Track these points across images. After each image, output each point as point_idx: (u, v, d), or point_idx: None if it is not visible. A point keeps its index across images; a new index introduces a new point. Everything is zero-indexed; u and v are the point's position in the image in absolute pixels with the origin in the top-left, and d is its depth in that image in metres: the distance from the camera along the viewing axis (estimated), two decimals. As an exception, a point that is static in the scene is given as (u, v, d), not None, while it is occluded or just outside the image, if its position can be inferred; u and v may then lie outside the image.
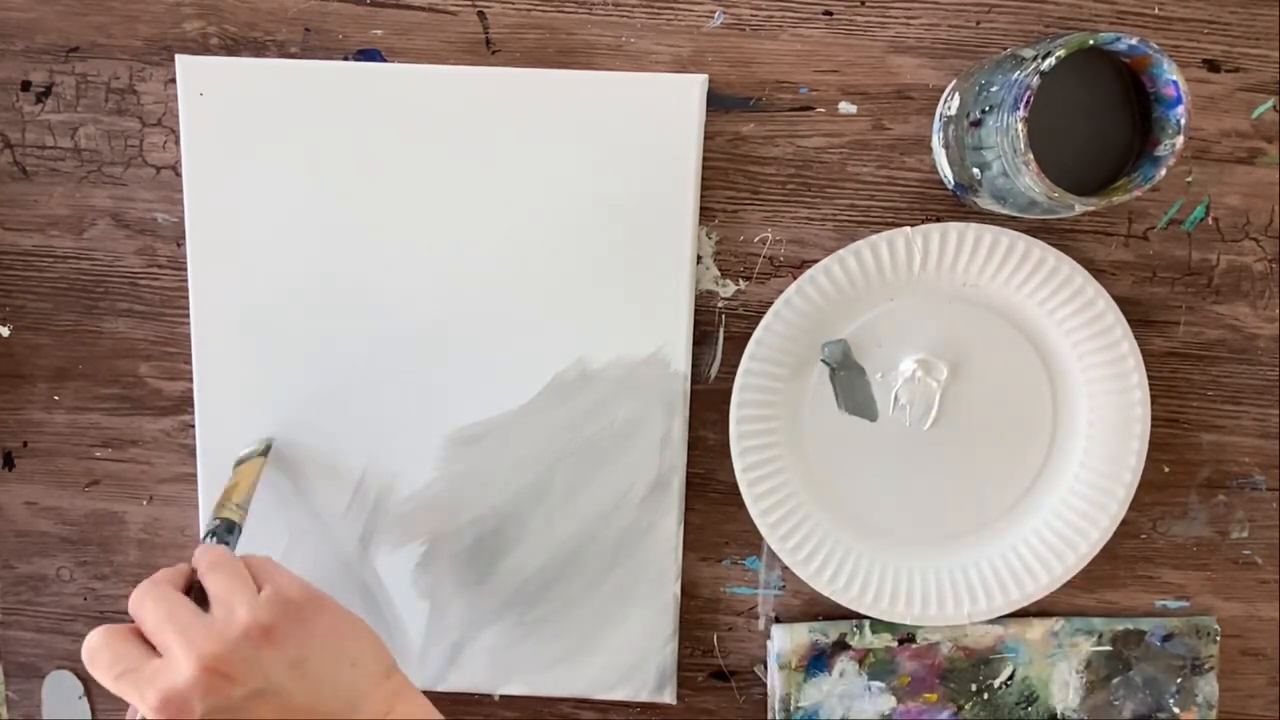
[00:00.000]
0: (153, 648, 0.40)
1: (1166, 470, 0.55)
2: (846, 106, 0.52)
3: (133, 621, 0.41)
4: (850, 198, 0.52)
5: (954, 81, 0.50)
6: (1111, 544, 0.53)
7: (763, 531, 0.53)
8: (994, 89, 0.44)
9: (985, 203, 0.48)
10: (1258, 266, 0.53)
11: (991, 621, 0.55)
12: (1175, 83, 0.42)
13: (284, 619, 0.40)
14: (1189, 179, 0.52)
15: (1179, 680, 0.55)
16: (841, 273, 0.51)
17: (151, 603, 0.40)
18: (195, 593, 0.42)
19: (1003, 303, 0.52)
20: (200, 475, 0.55)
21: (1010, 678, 0.55)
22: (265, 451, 0.53)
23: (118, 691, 0.39)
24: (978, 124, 0.45)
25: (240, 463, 0.52)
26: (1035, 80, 0.41)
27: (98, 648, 0.39)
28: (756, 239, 0.53)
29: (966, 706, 0.56)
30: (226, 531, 0.47)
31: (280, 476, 0.54)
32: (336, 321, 0.53)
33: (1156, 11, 0.51)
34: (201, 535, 0.47)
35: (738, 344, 0.53)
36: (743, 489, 0.53)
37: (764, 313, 0.51)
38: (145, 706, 0.38)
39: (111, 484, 0.56)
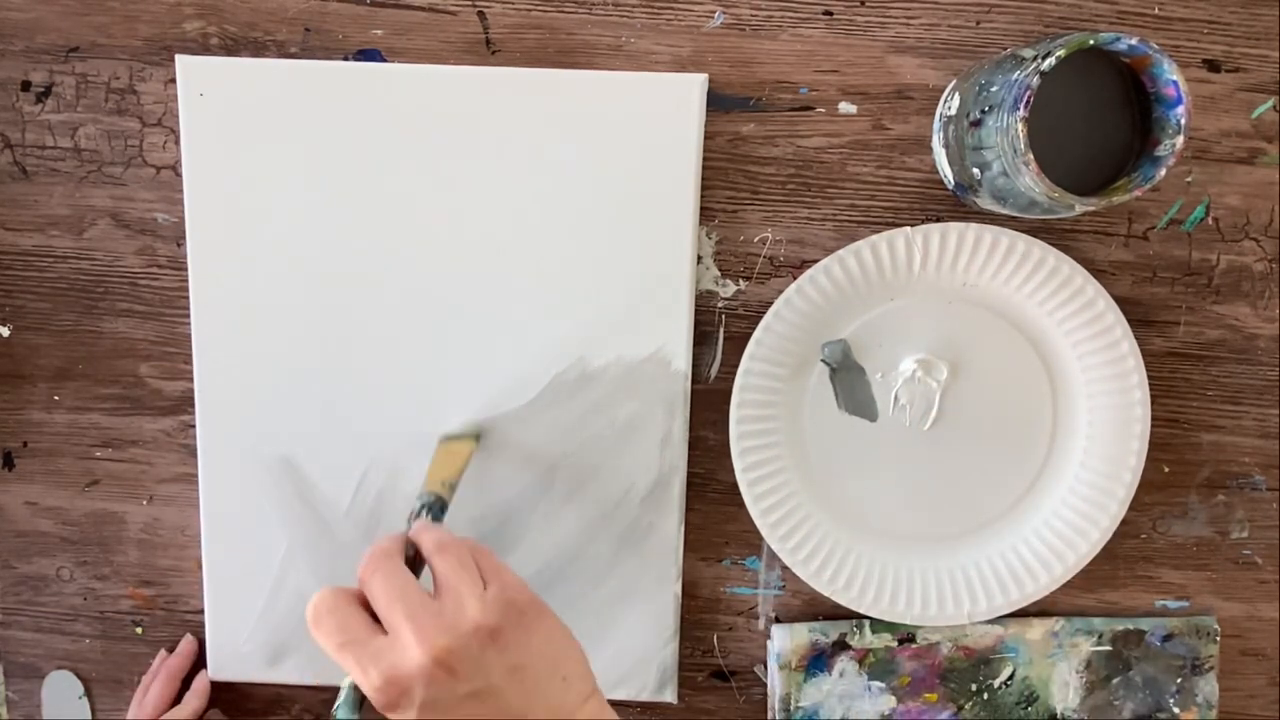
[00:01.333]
0: (378, 621, 0.39)
1: (1166, 470, 0.55)
2: (846, 106, 0.52)
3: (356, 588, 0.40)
4: (850, 198, 0.52)
5: (954, 81, 0.50)
6: (1111, 544, 0.53)
7: (763, 531, 0.53)
8: (994, 89, 0.44)
9: (985, 203, 0.48)
10: (1258, 266, 0.53)
11: (991, 621, 0.55)
12: (1175, 83, 0.42)
13: (509, 622, 0.39)
14: (1189, 179, 0.52)
15: (1179, 680, 0.55)
16: (841, 273, 0.51)
17: (383, 579, 0.39)
18: (409, 564, 0.42)
19: (1003, 303, 0.52)
20: (200, 475, 0.55)
21: (1010, 678, 0.55)
22: (478, 438, 0.53)
23: (337, 659, 0.38)
24: (978, 124, 0.45)
25: (451, 439, 0.52)
26: (1035, 80, 0.41)
27: (325, 611, 0.39)
28: (756, 239, 0.53)
29: (966, 706, 0.56)
30: (441, 510, 0.46)
31: (281, 476, 0.54)
32: (336, 321, 0.53)
33: (1156, 11, 0.51)
34: (416, 508, 0.46)
35: (738, 344, 0.53)
36: (743, 489, 0.53)
37: (764, 313, 0.51)
38: (366, 681, 0.37)
39: (111, 484, 0.56)
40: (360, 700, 0.40)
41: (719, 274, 0.53)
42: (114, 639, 0.58)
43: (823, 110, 0.52)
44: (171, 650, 0.57)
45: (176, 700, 0.56)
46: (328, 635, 0.38)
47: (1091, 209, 0.43)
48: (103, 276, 0.54)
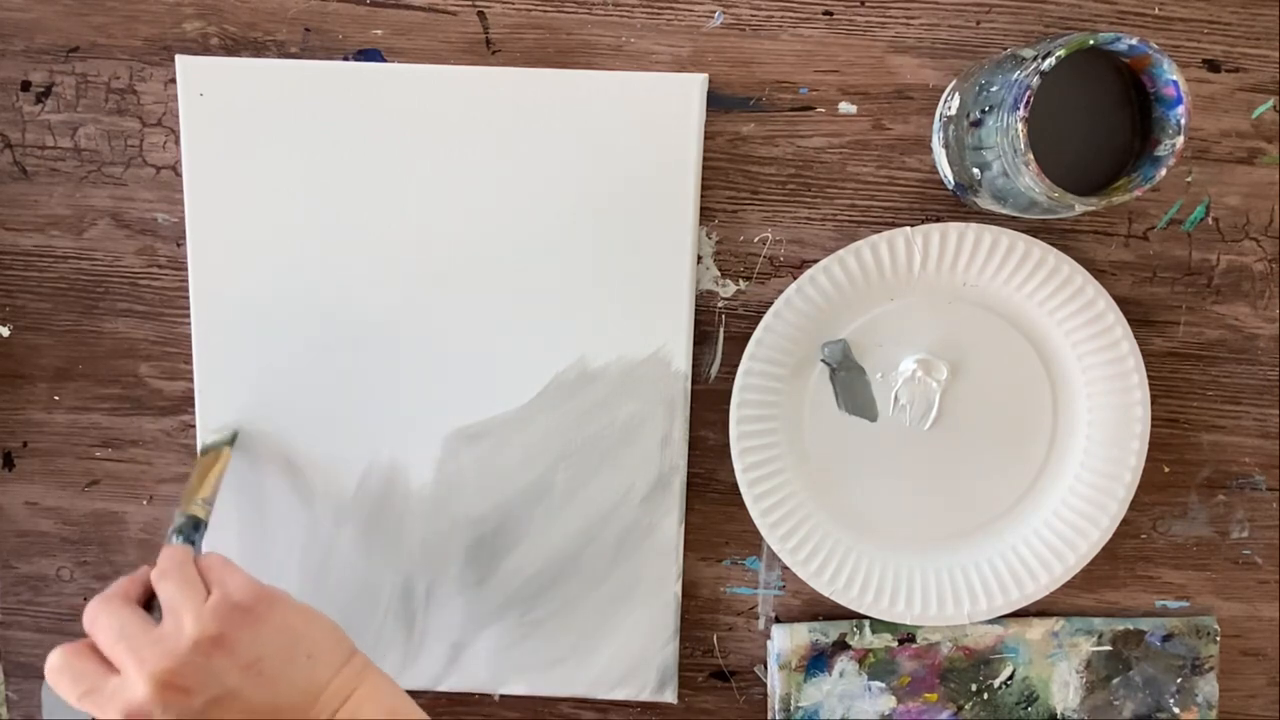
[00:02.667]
0: (111, 663, 0.40)
1: (1166, 470, 0.55)
2: (846, 106, 0.52)
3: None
4: (850, 198, 0.52)
5: (954, 81, 0.50)
6: (1111, 544, 0.53)
7: (763, 531, 0.53)
8: (994, 89, 0.44)
9: (985, 203, 0.48)
10: (1258, 266, 0.53)
11: (991, 621, 0.55)
12: (1175, 83, 0.42)
13: (231, 625, 0.41)
14: (1189, 179, 0.52)
15: (1179, 680, 0.55)
16: (841, 273, 0.51)
17: (104, 619, 0.41)
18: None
19: (1003, 303, 0.52)
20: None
21: (1010, 678, 0.55)
22: (231, 441, 0.53)
23: (82, 709, 0.40)
24: (978, 124, 0.45)
25: (205, 451, 0.52)
26: (1035, 80, 0.41)
27: (59, 668, 0.40)
28: (756, 239, 0.53)
29: (966, 706, 0.56)
30: (193, 529, 0.47)
31: (280, 476, 0.54)
32: (336, 321, 0.53)
33: (1156, 11, 0.51)
34: (168, 533, 0.47)
35: (738, 344, 0.53)
36: (743, 489, 0.53)
37: (764, 313, 0.51)
38: None
39: (111, 484, 0.56)
40: None
41: (719, 274, 0.53)
42: (114, 639, 0.58)
43: (823, 110, 0.52)
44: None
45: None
46: (67, 690, 0.40)
47: (1091, 209, 0.43)
48: (103, 276, 0.54)
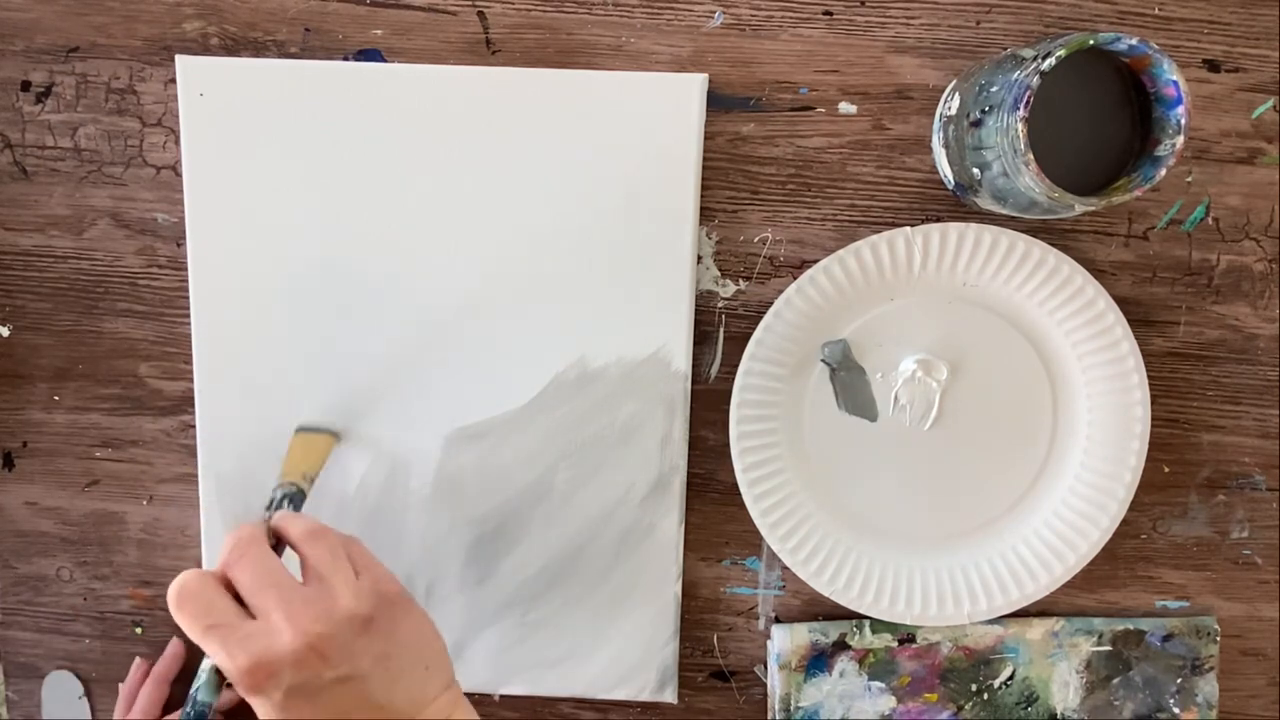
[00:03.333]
0: (244, 605, 0.39)
1: (1166, 470, 0.55)
2: (846, 106, 0.52)
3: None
4: (850, 198, 0.52)
5: (954, 81, 0.50)
6: (1111, 544, 0.53)
7: (763, 531, 0.53)
8: (994, 89, 0.44)
9: (985, 203, 0.48)
10: (1258, 266, 0.53)
11: (991, 621, 0.55)
12: (1175, 83, 0.42)
13: (381, 612, 0.40)
14: (1189, 179, 0.52)
15: (1179, 680, 0.55)
16: (841, 273, 0.51)
17: (251, 563, 0.40)
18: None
19: (1003, 303, 0.52)
20: (200, 475, 0.55)
21: (1010, 678, 0.55)
22: (337, 435, 0.53)
23: (202, 642, 0.38)
24: (978, 124, 0.45)
25: (309, 430, 0.52)
26: (1035, 80, 0.41)
27: (190, 595, 0.39)
28: (756, 239, 0.53)
29: (966, 706, 0.56)
30: (300, 501, 0.46)
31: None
32: (336, 322, 0.53)
33: (1156, 11, 0.51)
34: (276, 497, 0.46)
35: (738, 344, 0.53)
36: (743, 489, 0.53)
37: (764, 313, 0.51)
38: (232, 664, 0.37)
39: (111, 484, 0.56)
40: (220, 683, 0.40)
41: (719, 274, 0.53)
42: (114, 639, 0.58)
43: (823, 110, 0.52)
44: (150, 661, 0.57)
45: (171, 706, 0.56)
46: (192, 618, 0.38)
47: (1091, 209, 0.43)
48: (103, 276, 0.54)
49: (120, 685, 0.57)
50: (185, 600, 0.39)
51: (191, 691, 0.40)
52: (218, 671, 0.40)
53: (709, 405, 0.54)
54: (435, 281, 0.52)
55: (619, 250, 0.52)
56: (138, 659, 0.57)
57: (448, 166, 0.51)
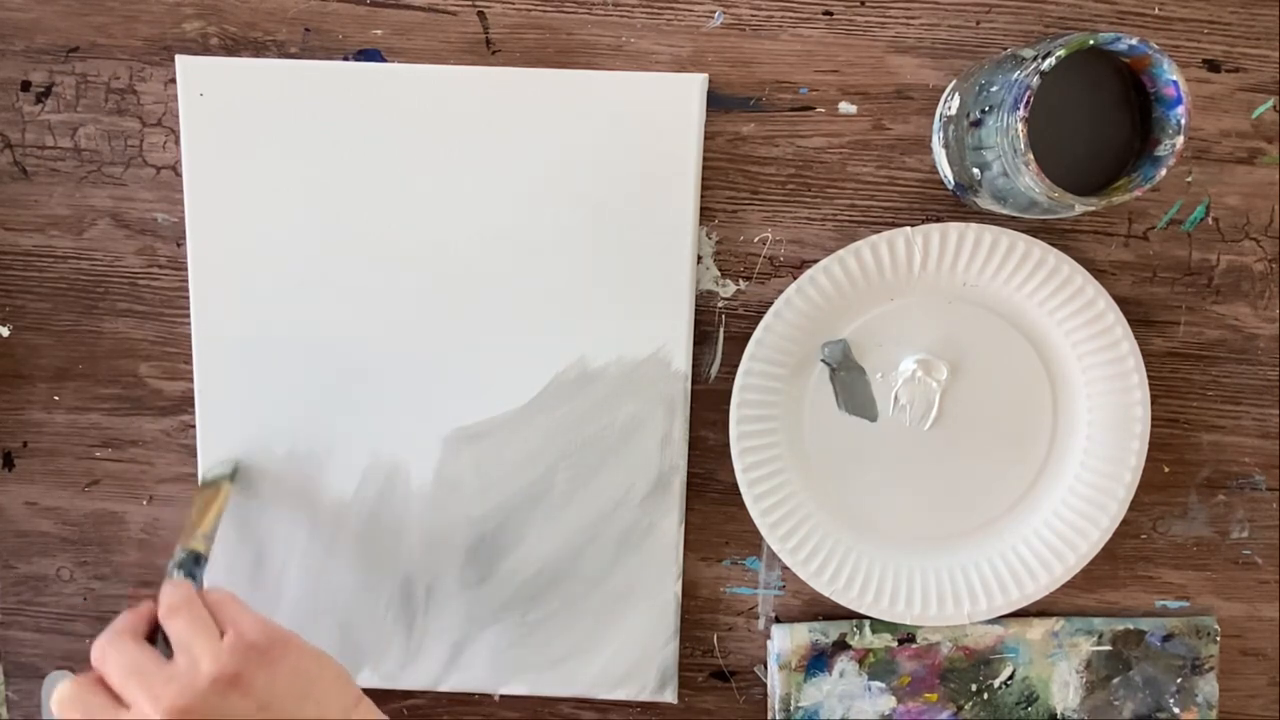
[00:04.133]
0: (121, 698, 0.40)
1: (1166, 470, 0.55)
2: (846, 106, 0.52)
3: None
4: (850, 198, 0.52)
5: (954, 81, 0.50)
6: (1111, 544, 0.53)
7: (763, 531, 0.53)
8: (994, 89, 0.44)
9: (985, 203, 0.48)
10: (1258, 266, 0.53)
11: (991, 621, 0.55)
12: (1175, 83, 0.42)
13: (248, 665, 0.41)
14: (1189, 179, 0.52)
15: (1179, 680, 0.55)
16: (841, 273, 0.51)
17: (114, 654, 0.41)
18: (163, 633, 0.43)
19: (1003, 303, 0.52)
20: (200, 475, 0.55)
21: (1010, 678, 0.55)
22: (233, 476, 0.53)
23: None
24: (978, 124, 0.45)
25: (206, 485, 0.52)
26: (1035, 80, 0.41)
27: (70, 700, 0.40)
28: (756, 239, 0.53)
29: (966, 706, 0.56)
30: (194, 564, 0.47)
31: (281, 477, 0.54)
32: (336, 322, 0.53)
33: (1156, 11, 0.51)
34: (169, 568, 0.47)
35: (738, 344, 0.53)
36: (743, 489, 0.53)
37: (764, 313, 0.51)
38: None
39: (111, 484, 0.56)
40: None
41: (719, 274, 0.53)
42: (114, 639, 0.58)
43: (823, 110, 0.52)
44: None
45: None
46: None
47: (1091, 209, 0.43)
48: (103, 276, 0.54)
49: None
50: (65, 708, 0.40)
51: None
52: None
53: (709, 405, 0.54)
54: (434, 281, 0.52)
55: (619, 250, 0.52)
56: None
57: (448, 166, 0.51)
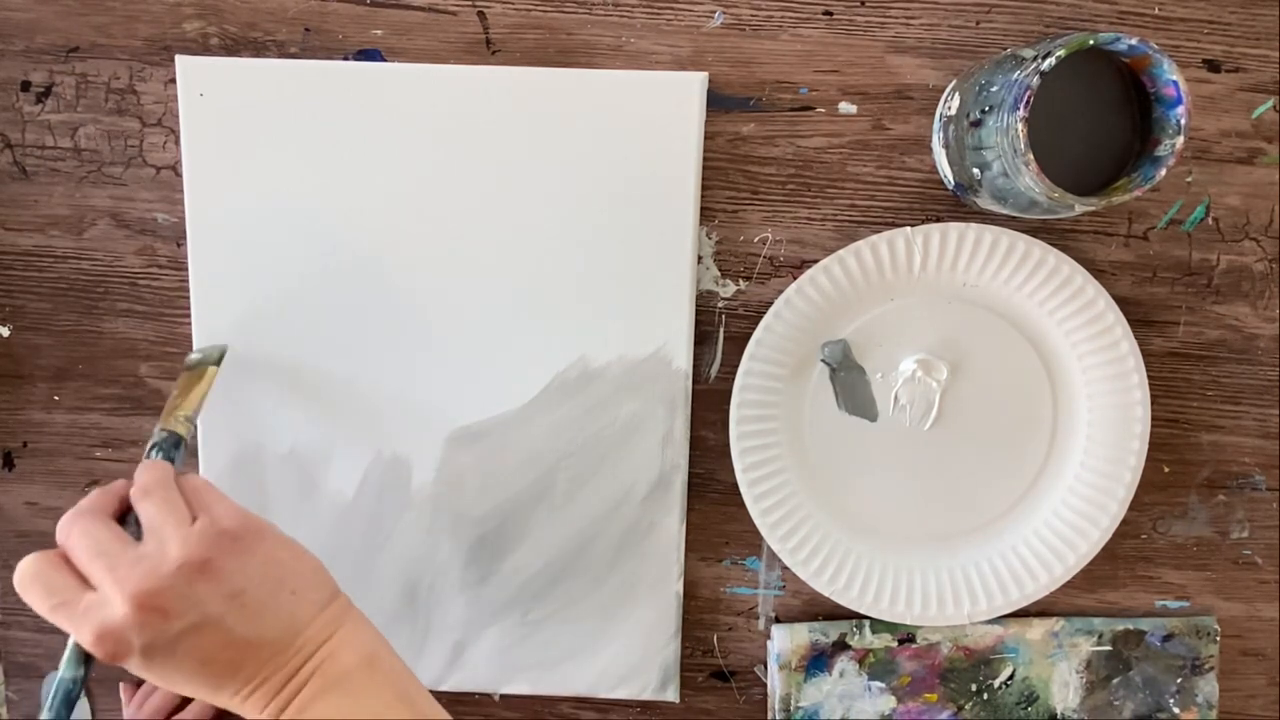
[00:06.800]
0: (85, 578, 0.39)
1: (1166, 470, 0.55)
2: (846, 106, 0.52)
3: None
4: (850, 198, 0.53)
5: (954, 81, 0.50)
6: (1111, 544, 0.53)
7: (763, 531, 0.53)
8: (994, 89, 0.44)
9: (985, 203, 0.48)
10: (1258, 266, 0.53)
11: (991, 621, 0.55)
12: (1175, 83, 0.42)
13: (219, 551, 0.39)
14: (1189, 179, 0.52)
15: (1179, 680, 0.55)
16: (841, 273, 0.51)
17: (80, 533, 0.39)
18: (134, 514, 0.41)
19: (1003, 303, 0.52)
20: (200, 475, 0.54)
21: (1010, 678, 0.55)
22: (219, 360, 0.51)
23: (53, 621, 0.38)
24: (978, 124, 0.45)
25: (191, 367, 0.51)
26: (1035, 80, 0.41)
27: (31, 576, 0.39)
28: (756, 239, 0.53)
29: (966, 706, 0.56)
30: (173, 447, 0.45)
31: (281, 476, 0.54)
32: (336, 322, 0.53)
33: (1156, 11, 0.51)
34: (147, 448, 0.45)
35: (738, 344, 0.53)
36: (743, 489, 0.53)
37: (764, 313, 0.51)
38: (80, 639, 0.38)
39: (112, 484, 0.56)
40: (85, 656, 0.40)
41: (719, 274, 0.53)
42: (114, 639, 0.58)
43: (823, 110, 0.52)
44: None
45: (179, 707, 0.56)
46: (37, 600, 0.38)
47: (1091, 209, 0.43)
48: (103, 276, 0.54)
49: (121, 685, 0.57)
50: (26, 584, 0.39)
51: (60, 667, 0.40)
52: (79, 646, 0.39)
53: (709, 405, 0.54)
54: (435, 281, 0.52)
55: (619, 250, 0.52)
56: None
57: (448, 166, 0.51)
